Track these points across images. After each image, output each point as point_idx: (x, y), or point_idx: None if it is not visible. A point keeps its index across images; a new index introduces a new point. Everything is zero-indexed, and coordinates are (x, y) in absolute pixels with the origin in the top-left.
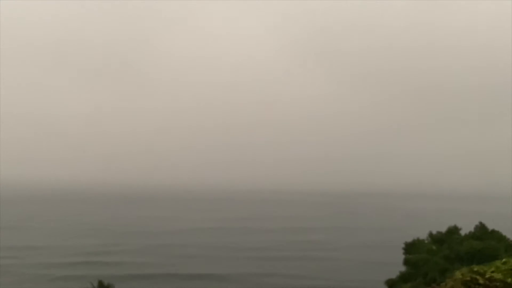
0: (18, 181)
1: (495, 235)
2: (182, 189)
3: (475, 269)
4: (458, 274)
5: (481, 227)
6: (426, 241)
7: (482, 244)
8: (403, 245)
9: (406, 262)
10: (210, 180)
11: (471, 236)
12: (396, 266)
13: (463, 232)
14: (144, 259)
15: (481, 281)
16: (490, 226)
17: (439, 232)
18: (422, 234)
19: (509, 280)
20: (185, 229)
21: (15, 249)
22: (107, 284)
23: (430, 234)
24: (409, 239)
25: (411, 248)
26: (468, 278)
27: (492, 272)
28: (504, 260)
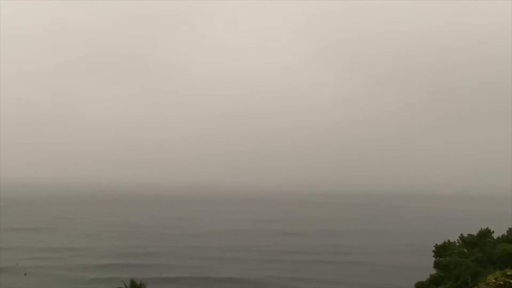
0: (56, 183)
1: None
2: (208, 191)
3: (509, 273)
4: (491, 278)
5: None
6: (457, 244)
7: None
8: (433, 248)
9: (436, 265)
10: (236, 183)
11: (504, 239)
12: (424, 272)
13: (495, 235)
14: (174, 261)
15: None
16: None
17: (470, 235)
18: (451, 237)
19: None
20: (214, 231)
21: (48, 250)
22: (140, 284)
23: (461, 237)
24: (439, 242)
25: (441, 250)
26: (502, 282)
27: None
28: None
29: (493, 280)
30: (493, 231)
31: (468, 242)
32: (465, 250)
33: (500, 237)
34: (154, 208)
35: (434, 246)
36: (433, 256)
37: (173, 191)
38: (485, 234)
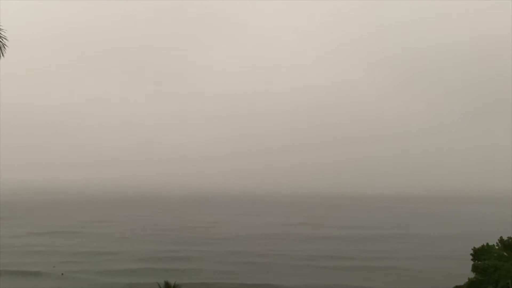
0: (79, 186)
1: None
2: (231, 193)
3: None
4: None
5: None
6: (496, 247)
7: None
8: (470, 252)
9: (474, 268)
10: (259, 185)
11: None
12: (462, 278)
13: None
14: (205, 266)
15: None
16: None
17: (510, 238)
18: (487, 240)
19: None
20: (242, 235)
21: (80, 254)
22: (174, 285)
23: (501, 240)
24: (475, 245)
25: (480, 254)
26: None
27: None
28: None
29: None
30: None
31: (508, 245)
32: (505, 253)
33: None
34: (179, 210)
35: (472, 249)
36: (471, 259)
37: (196, 193)
38: None
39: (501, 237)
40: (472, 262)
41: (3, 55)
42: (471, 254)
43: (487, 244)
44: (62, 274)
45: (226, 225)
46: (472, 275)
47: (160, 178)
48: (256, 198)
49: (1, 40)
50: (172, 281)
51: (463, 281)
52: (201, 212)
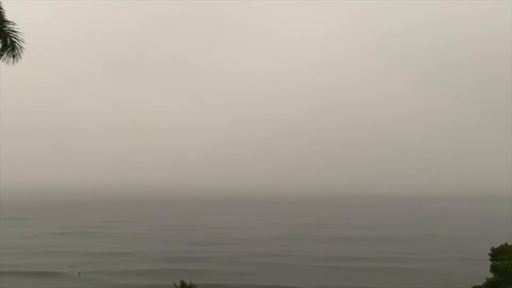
0: (101, 187)
1: None
2: (251, 194)
3: None
4: None
5: None
6: None
7: None
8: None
9: (493, 269)
10: (280, 185)
11: None
12: (481, 279)
13: None
14: (222, 267)
15: None
16: None
17: None
18: (508, 239)
19: None
20: (261, 236)
21: (97, 255)
22: (190, 284)
23: None
24: (495, 245)
25: (498, 254)
26: None
27: None
28: None
29: None
30: None
31: None
32: None
33: None
34: (196, 211)
35: (490, 249)
36: (489, 259)
37: (212, 194)
38: None
39: None
40: (490, 263)
41: (20, 57)
42: (489, 254)
43: (506, 244)
44: (79, 273)
45: (242, 226)
46: (490, 275)
47: (176, 179)
48: (272, 198)
49: (18, 43)
50: (187, 281)
51: (481, 282)
52: (217, 212)
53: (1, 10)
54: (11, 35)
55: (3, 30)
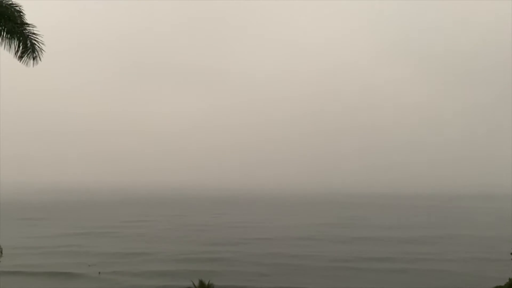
0: (119, 187)
1: None
2: (271, 193)
3: None
4: None
5: None
6: None
7: None
8: None
9: None
10: (300, 184)
11: None
12: (504, 280)
13: None
14: (243, 268)
15: None
16: None
17: None
18: None
19: None
20: (283, 236)
21: (116, 255)
22: (208, 283)
23: None
24: None
25: None
26: None
27: None
28: None
29: None
30: None
31: None
32: None
33: None
34: (216, 210)
35: None
36: (511, 259)
37: (234, 193)
38: None
39: None
40: None
41: (40, 59)
42: (511, 254)
43: None
44: (100, 273)
45: (263, 225)
46: None
47: (192, 179)
48: (288, 198)
49: (38, 45)
50: (206, 281)
51: (503, 282)
52: (235, 212)
53: (21, 13)
54: (31, 37)
55: (23, 32)
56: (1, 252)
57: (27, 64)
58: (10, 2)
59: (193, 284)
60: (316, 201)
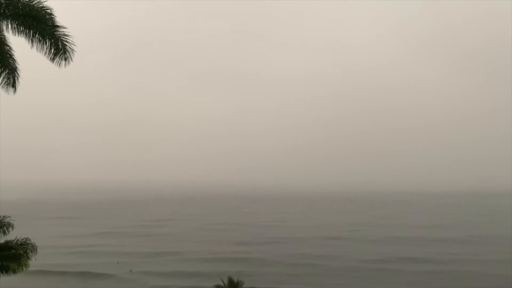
0: (142, 185)
1: None
2: (303, 190)
3: None
4: None
5: None
6: None
7: None
8: None
9: None
10: (331, 181)
11: None
12: None
13: None
14: (274, 269)
15: None
16: None
17: None
18: None
19: None
20: (308, 235)
21: (145, 255)
22: (237, 281)
23: None
24: None
25: None
26: None
27: None
28: None
29: None
30: None
31: None
32: None
33: None
34: (246, 208)
35: None
36: None
37: (261, 191)
38: None
39: None
40: None
41: (72, 60)
42: None
43: None
44: (131, 270)
45: (292, 224)
46: None
47: (223, 176)
48: (323, 195)
49: (69, 46)
50: (235, 279)
51: None
52: (267, 210)
53: (51, 15)
54: (63, 39)
55: (55, 34)
56: (36, 250)
57: (59, 65)
58: (42, 5)
59: (223, 282)
60: (346, 199)
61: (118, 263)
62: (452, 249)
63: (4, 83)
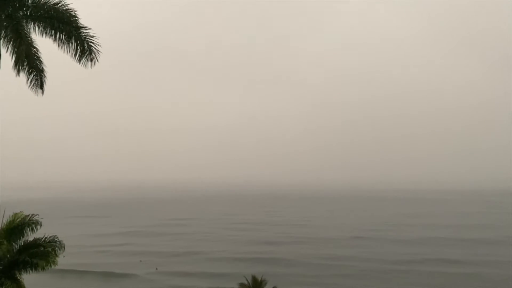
0: (167, 184)
1: None
2: (329, 189)
3: None
4: None
5: None
6: None
7: None
8: None
9: None
10: (358, 180)
11: None
12: None
13: None
14: (303, 270)
15: None
16: None
17: None
18: None
19: None
20: (334, 236)
21: (166, 254)
22: (261, 280)
23: None
24: None
25: None
26: None
27: None
28: None
29: None
30: None
31: None
32: None
33: None
34: (270, 207)
35: None
36: None
37: (287, 190)
38: None
39: None
40: None
41: (97, 60)
42: None
43: None
44: (157, 268)
45: (318, 223)
46: None
47: (247, 176)
48: (350, 194)
49: (94, 47)
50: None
51: None
52: (291, 209)
53: (76, 17)
54: (88, 40)
55: (80, 35)
56: (64, 248)
57: (85, 66)
58: (66, 7)
59: (247, 280)
60: (373, 198)
61: (140, 261)
62: (485, 251)
63: (33, 84)
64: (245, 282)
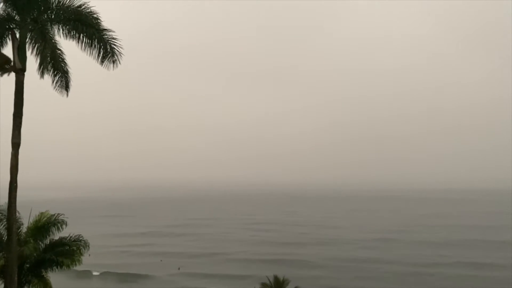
0: (183, 184)
1: None
2: (349, 189)
3: None
4: None
5: None
6: None
7: None
8: None
9: None
10: (381, 179)
11: None
12: None
13: None
14: (316, 272)
15: None
16: None
17: None
18: None
19: None
20: (356, 237)
21: (186, 255)
22: (283, 279)
23: None
24: None
25: None
26: None
27: None
28: None
29: None
30: None
31: None
32: None
33: None
34: (289, 208)
35: None
36: None
37: (307, 190)
38: None
39: None
40: None
41: (120, 62)
42: None
43: None
44: (179, 268)
45: (338, 224)
46: None
47: (257, 174)
48: (365, 193)
49: (117, 49)
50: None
51: None
52: (311, 209)
53: (98, 20)
54: (111, 42)
55: (103, 38)
56: (88, 247)
57: (107, 68)
58: (89, 10)
59: (268, 280)
60: (394, 197)
61: (161, 260)
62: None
63: (58, 86)
64: (267, 282)
